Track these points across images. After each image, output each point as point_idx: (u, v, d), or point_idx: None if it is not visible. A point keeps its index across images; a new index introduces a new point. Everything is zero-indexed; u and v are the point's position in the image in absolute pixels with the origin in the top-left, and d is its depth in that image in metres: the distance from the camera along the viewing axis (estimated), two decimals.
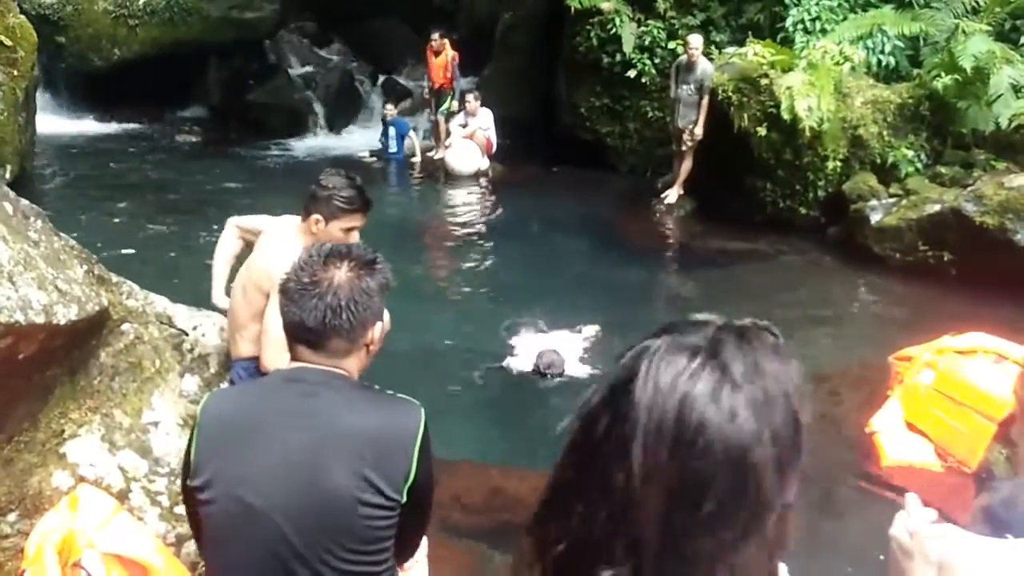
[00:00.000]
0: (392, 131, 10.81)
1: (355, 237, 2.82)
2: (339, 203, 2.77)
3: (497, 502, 3.61)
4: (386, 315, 2.56)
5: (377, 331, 1.66)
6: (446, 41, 10.81)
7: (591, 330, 5.41)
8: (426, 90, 11.03)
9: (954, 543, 1.02)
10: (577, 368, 4.91)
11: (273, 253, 2.74)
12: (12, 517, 2.31)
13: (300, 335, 1.61)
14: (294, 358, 1.64)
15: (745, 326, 0.80)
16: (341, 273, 1.59)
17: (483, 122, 10.06)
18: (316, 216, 2.78)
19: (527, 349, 5.08)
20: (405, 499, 1.55)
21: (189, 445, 1.62)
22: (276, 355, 2.57)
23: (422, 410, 1.62)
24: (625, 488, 0.73)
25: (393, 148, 10.80)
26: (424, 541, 2.00)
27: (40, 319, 2.16)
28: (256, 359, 2.73)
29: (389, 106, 11.16)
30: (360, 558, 1.55)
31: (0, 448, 2.31)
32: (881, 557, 1.15)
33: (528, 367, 4.86)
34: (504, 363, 4.96)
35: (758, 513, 0.73)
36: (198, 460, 1.57)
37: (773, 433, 0.73)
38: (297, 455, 1.53)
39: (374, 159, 10.93)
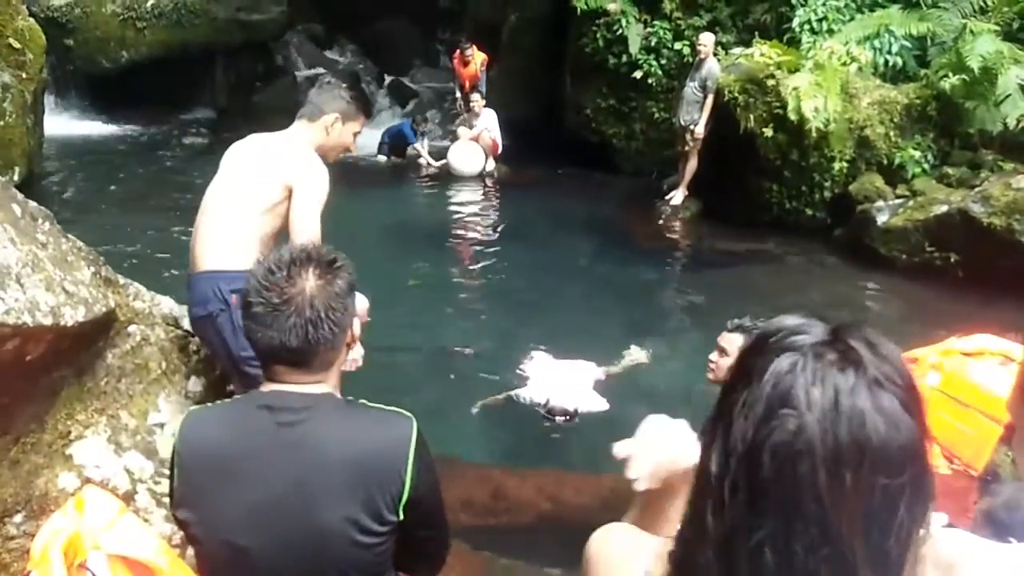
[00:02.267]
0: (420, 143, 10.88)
1: (355, 146, 2.96)
2: (356, 103, 2.85)
3: (501, 505, 3.62)
4: (363, 303, 2.51)
5: (357, 328, 1.61)
6: (474, 48, 10.91)
7: (614, 365, 4.90)
8: (458, 95, 11.12)
9: (965, 547, 1.03)
10: (591, 404, 4.42)
11: (295, 153, 2.73)
12: (18, 518, 2.33)
13: (282, 357, 1.50)
14: (271, 379, 1.54)
15: (855, 326, 0.81)
16: (310, 283, 1.49)
17: (488, 123, 10.07)
18: (334, 115, 2.79)
19: (539, 378, 4.66)
20: (403, 517, 1.48)
21: (172, 472, 1.55)
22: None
23: (413, 421, 1.53)
24: (819, 514, 0.74)
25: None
26: None
27: (47, 321, 2.17)
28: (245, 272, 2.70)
29: (429, 124, 11.18)
30: None
31: (7, 449, 2.32)
32: None
33: (538, 399, 4.41)
34: (513, 393, 4.54)
35: (931, 498, 0.78)
36: (180, 493, 1.51)
37: (919, 423, 0.77)
38: (283, 492, 1.45)
39: (384, 159, 10.97)
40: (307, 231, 2.63)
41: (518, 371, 4.77)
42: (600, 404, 4.37)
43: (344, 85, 2.88)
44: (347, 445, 1.49)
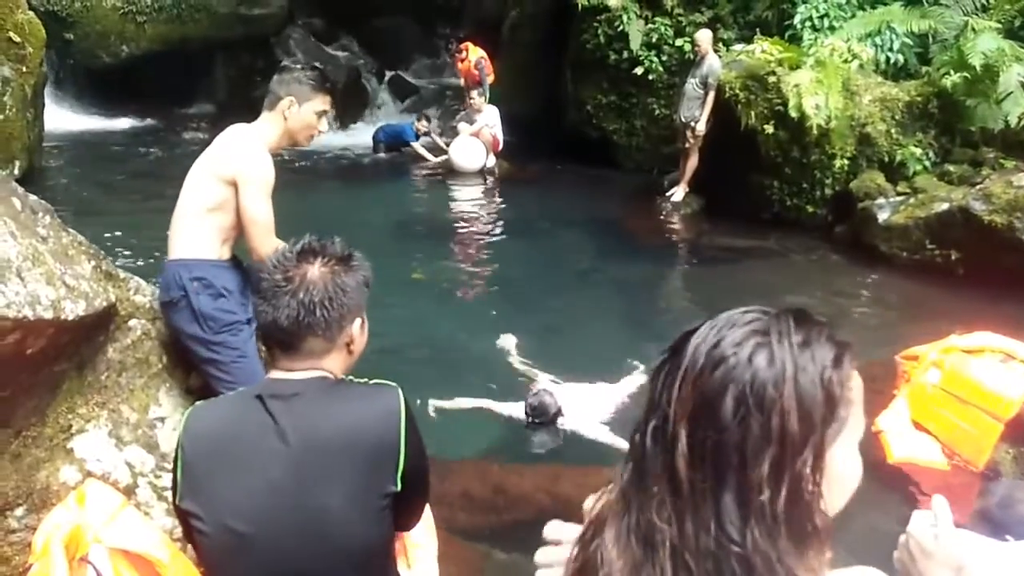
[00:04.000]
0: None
1: (324, 124, 2.85)
2: (311, 83, 2.78)
3: (500, 500, 3.62)
4: None
5: (357, 329, 1.61)
6: (467, 46, 10.90)
7: (625, 387, 4.55)
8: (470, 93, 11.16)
9: (974, 548, 1.04)
10: (584, 422, 4.19)
11: (234, 147, 2.75)
12: (20, 512, 2.33)
13: (274, 336, 1.54)
14: (273, 365, 1.58)
15: (809, 312, 0.92)
16: (315, 269, 1.54)
17: (489, 119, 10.06)
18: (289, 98, 2.76)
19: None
20: (400, 487, 1.50)
21: (175, 464, 1.56)
22: (265, 239, 2.68)
23: (399, 391, 1.56)
24: (666, 407, 0.87)
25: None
26: (435, 542, 2.00)
27: (48, 314, 2.17)
28: (209, 261, 2.74)
29: (424, 122, 11.18)
30: (367, 563, 1.53)
31: (8, 443, 2.32)
32: (883, 553, 1.15)
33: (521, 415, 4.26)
34: (503, 411, 4.35)
35: (785, 451, 0.83)
36: (183, 484, 1.52)
37: (798, 389, 0.84)
38: (280, 477, 1.47)
39: (383, 155, 10.98)
40: (256, 221, 2.69)
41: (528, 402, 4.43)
42: (606, 436, 4.16)
43: (299, 67, 2.83)
44: (340, 424, 1.51)
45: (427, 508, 1.82)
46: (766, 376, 0.84)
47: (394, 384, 1.58)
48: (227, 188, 2.70)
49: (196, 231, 2.75)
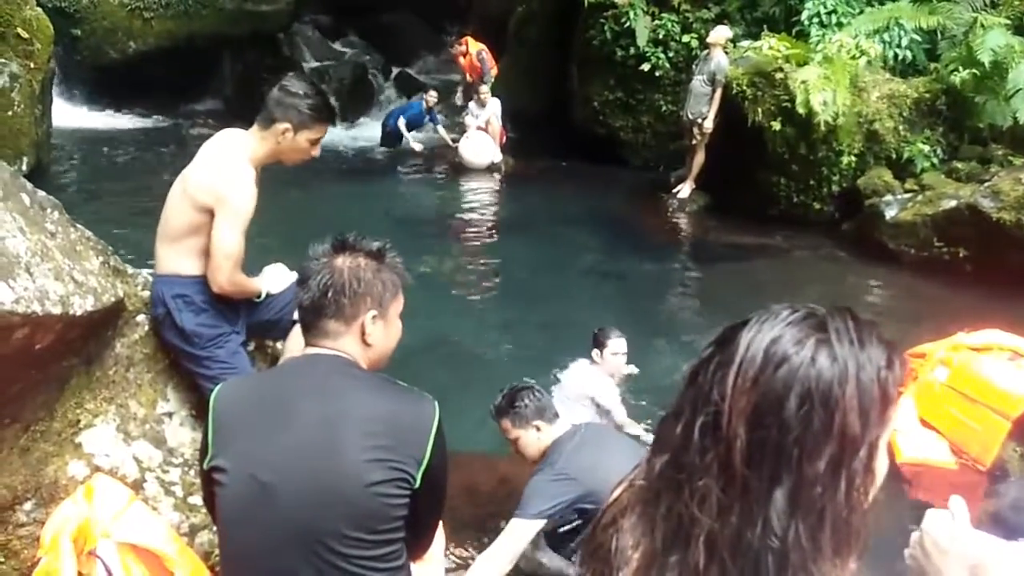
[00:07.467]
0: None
1: (317, 151, 2.76)
2: (311, 112, 2.65)
3: (505, 492, 3.62)
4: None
5: (370, 320, 1.64)
6: (467, 39, 10.88)
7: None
8: (459, 90, 11.06)
9: (990, 547, 1.04)
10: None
11: (217, 170, 2.63)
12: (28, 506, 2.34)
13: (300, 316, 1.70)
14: (306, 344, 1.70)
15: (856, 312, 0.91)
16: (344, 259, 1.65)
17: (493, 110, 10.08)
18: (284, 125, 2.64)
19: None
20: (419, 484, 1.55)
21: (205, 432, 1.63)
22: (227, 272, 2.60)
23: (436, 404, 1.64)
24: (719, 403, 0.85)
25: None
26: (441, 539, 2.01)
27: (57, 310, 2.18)
28: (189, 277, 2.68)
29: (433, 93, 10.94)
30: (376, 538, 1.55)
31: (17, 437, 2.33)
32: (889, 551, 1.15)
33: None
34: None
35: (844, 449, 0.83)
36: (214, 443, 1.59)
37: (859, 388, 0.84)
38: (311, 433, 1.54)
39: (389, 150, 10.97)
40: (223, 251, 2.59)
41: None
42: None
43: (301, 92, 2.67)
44: (376, 400, 1.60)
45: None
46: (830, 375, 0.84)
47: (431, 397, 1.67)
48: (202, 215, 2.61)
49: (176, 250, 2.69)
